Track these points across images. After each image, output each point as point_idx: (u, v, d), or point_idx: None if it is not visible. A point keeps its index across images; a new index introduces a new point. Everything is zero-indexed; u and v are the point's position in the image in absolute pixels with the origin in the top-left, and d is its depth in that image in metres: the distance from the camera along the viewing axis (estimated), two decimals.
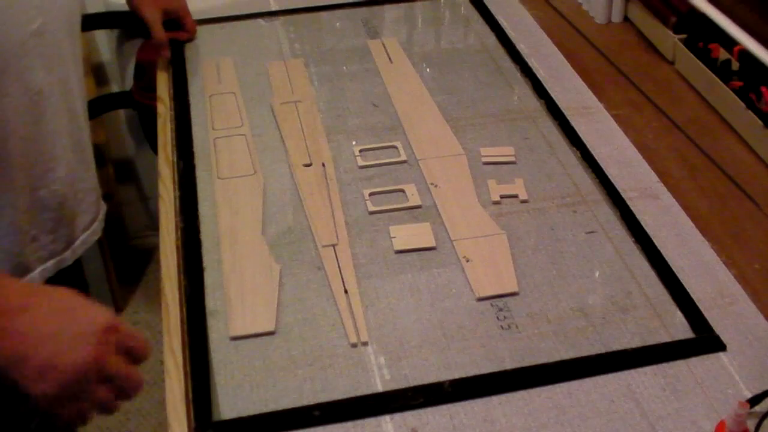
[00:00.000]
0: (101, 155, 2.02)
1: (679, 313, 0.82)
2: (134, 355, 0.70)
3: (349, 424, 0.72)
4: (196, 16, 1.33)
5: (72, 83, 0.94)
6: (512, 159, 1.04)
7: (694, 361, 0.77)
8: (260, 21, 1.37)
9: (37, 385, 0.65)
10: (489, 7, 1.40)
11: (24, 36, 0.84)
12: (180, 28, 1.30)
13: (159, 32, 1.23)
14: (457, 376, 0.76)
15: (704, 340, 0.79)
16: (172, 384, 0.76)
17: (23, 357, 0.65)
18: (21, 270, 0.92)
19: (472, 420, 0.72)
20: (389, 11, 1.41)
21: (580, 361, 0.77)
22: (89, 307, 0.69)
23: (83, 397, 0.67)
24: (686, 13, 1.23)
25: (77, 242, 1.01)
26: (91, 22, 1.85)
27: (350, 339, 0.80)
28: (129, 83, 1.91)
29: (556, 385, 0.75)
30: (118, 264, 2.06)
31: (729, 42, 1.14)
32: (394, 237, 0.92)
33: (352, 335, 0.80)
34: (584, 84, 1.19)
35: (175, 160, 1.05)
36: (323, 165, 1.03)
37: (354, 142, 1.07)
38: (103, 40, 1.94)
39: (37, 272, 0.95)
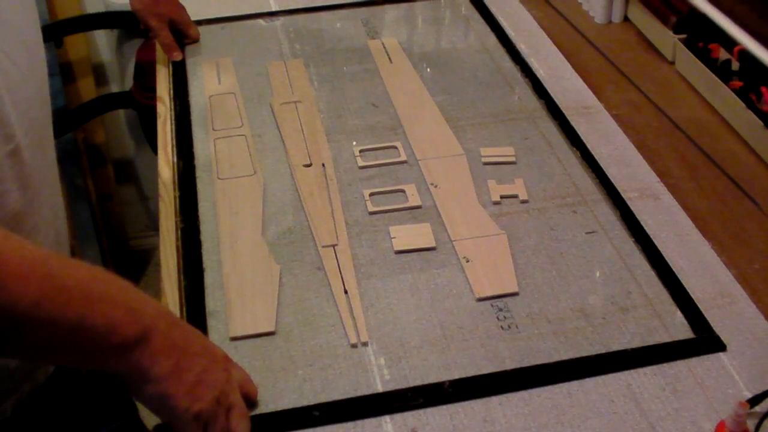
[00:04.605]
0: (101, 155, 2.02)
1: (679, 313, 0.82)
2: (247, 399, 0.72)
3: (349, 425, 0.72)
4: (195, 17, 1.33)
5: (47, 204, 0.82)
6: (512, 159, 1.04)
7: (694, 361, 0.77)
8: (260, 21, 1.37)
9: (189, 401, 0.64)
10: (489, 7, 1.40)
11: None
12: (183, 38, 1.30)
13: (166, 37, 1.25)
14: (457, 376, 0.76)
15: (704, 340, 0.79)
16: None
17: (182, 369, 0.64)
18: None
19: (472, 420, 0.72)
20: (389, 11, 1.41)
21: (580, 361, 0.77)
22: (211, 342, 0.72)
23: (212, 424, 0.66)
24: (686, 13, 1.23)
25: None
26: (91, 22, 1.86)
27: (350, 339, 0.80)
28: (129, 83, 1.91)
29: (556, 386, 0.75)
30: (118, 264, 2.05)
31: (729, 42, 1.14)
32: (394, 237, 0.92)
33: (352, 336, 0.80)
34: (584, 84, 1.19)
35: (175, 160, 1.05)
36: (323, 165, 1.03)
37: (354, 143, 1.07)
38: (103, 40, 1.94)
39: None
